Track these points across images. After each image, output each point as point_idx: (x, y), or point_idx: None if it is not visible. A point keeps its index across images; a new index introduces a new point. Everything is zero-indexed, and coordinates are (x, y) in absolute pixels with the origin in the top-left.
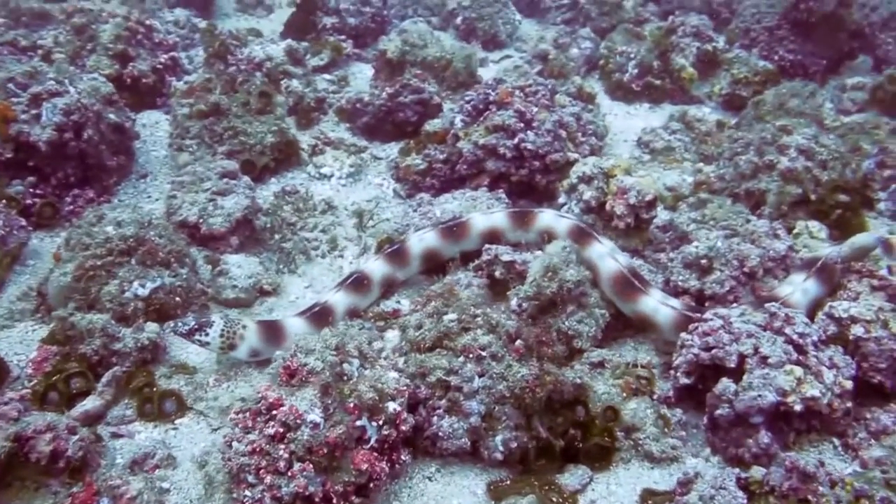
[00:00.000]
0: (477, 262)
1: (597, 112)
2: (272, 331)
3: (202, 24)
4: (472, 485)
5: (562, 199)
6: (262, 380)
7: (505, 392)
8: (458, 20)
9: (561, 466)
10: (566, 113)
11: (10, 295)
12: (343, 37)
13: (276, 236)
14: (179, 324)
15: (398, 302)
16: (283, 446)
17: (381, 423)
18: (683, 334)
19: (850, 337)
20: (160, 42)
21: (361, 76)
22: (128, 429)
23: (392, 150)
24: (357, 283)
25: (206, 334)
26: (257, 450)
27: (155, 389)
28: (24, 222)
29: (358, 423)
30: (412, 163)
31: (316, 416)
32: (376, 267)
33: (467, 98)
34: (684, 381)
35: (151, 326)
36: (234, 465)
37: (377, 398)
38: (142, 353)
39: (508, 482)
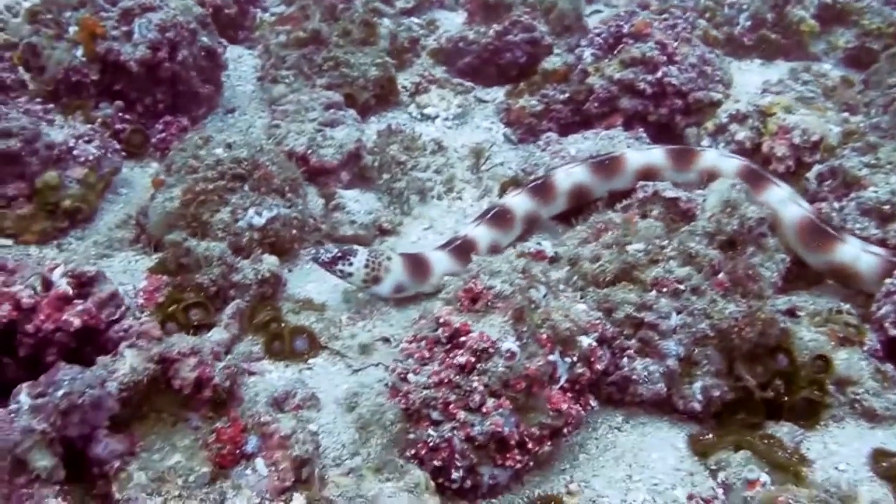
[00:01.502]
0: (627, 200)
1: (722, 58)
2: (417, 264)
3: None
4: (669, 437)
5: (705, 142)
6: (402, 318)
7: (708, 331)
8: None
9: (761, 423)
10: (707, 50)
11: (107, 223)
12: None
13: (385, 175)
14: (322, 251)
15: (539, 243)
16: (476, 378)
17: (574, 359)
18: (889, 279)
19: None
20: None
21: (448, 22)
22: (257, 367)
23: (496, 93)
24: (499, 217)
25: (350, 264)
26: (445, 381)
27: (283, 325)
28: (118, 146)
29: (550, 357)
30: (527, 104)
31: (511, 344)
32: (519, 202)
33: (596, 30)
34: (894, 332)
35: (270, 259)
36: (416, 400)
37: (574, 329)
38: (261, 286)
39: (710, 436)
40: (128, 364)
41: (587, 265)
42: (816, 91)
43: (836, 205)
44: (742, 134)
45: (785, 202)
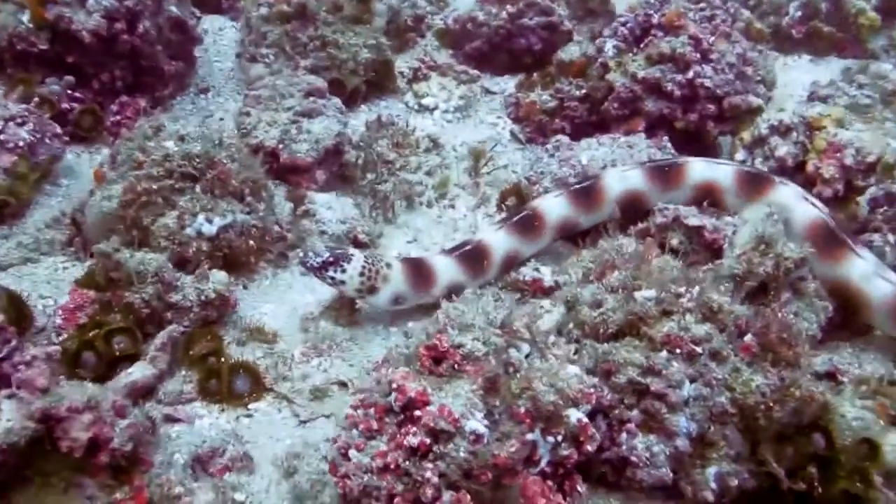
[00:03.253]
0: (644, 224)
1: (766, 55)
2: (420, 272)
3: None
4: None
5: (740, 156)
6: (364, 358)
7: (728, 407)
8: None
9: None
10: (749, 46)
11: (37, 220)
12: None
13: (370, 175)
14: (311, 254)
15: (536, 269)
16: (430, 465)
17: (558, 439)
18: None
19: None
20: None
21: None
22: (186, 411)
23: (506, 83)
24: (525, 222)
25: (343, 270)
26: (391, 467)
27: (223, 361)
28: (59, 130)
29: (529, 436)
30: (538, 99)
31: (478, 423)
32: (554, 206)
33: (622, 19)
34: None
35: (219, 276)
36: (354, 487)
37: (559, 403)
38: (205, 309)
39: None
40: (3, 422)
41: (586, 312)
42: (874, 96)
43: (891, 238)
44: (784, 149)
45: (869, 277)
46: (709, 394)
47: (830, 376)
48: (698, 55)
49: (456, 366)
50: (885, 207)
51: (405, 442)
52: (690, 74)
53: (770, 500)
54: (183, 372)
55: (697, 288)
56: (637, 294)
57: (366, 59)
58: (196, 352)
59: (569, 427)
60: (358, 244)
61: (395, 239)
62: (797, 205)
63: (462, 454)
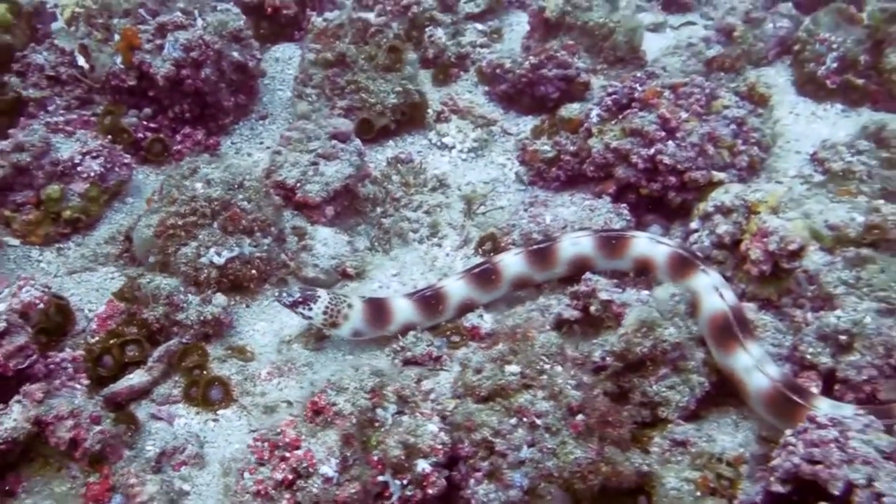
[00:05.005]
0: (575, 288)
1: (766, 117)
2: (377, 311)
3: None
4: None
5: (694, 225)
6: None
7: (553, 470)
8: None
9: None
10: (721, 123)
11: (99, 236)
12: None
13: (379, 209)
14: (284, 293)
15: (481, 316)
16: (288, 495)
17: (405, 482)
18: (789, 434)
19: None
20: None
21: (518, 29)
22: (169, 411)
23: (527, 125)
24: (484, 275)
25: (310, 309)
26: (262, 492)
27: (204, 373)
28: (127, 159)
29: (380, 478)
30: (541, 148)
31: (330, 468)
32: (513, 263)
33: (610, 89)
34: (777, 488)
35: (220, 299)
36: (237, 502)
37: (403, 457)
38: (203, 326)
39: None
40: (11, 420)
41: (469, 375)
42: (870, 163)
43: (809, 316)
44: (723, 228)
45: (750, 370)
46: (540, 458)
47: (682, 444)
48: (664, 133)
49: (329, 419)
50: (815, 286)
51: (275, 475)
52: (652, 150)
53: None
54: (176, 378)
55: (550, 367)
56: (506, 367)
57: (392, 103)
58: (185, 364)
59: (415, 474)
60: (346, 276)
61: (383, 270)
62: (707, 295)
63: (315, 490)
